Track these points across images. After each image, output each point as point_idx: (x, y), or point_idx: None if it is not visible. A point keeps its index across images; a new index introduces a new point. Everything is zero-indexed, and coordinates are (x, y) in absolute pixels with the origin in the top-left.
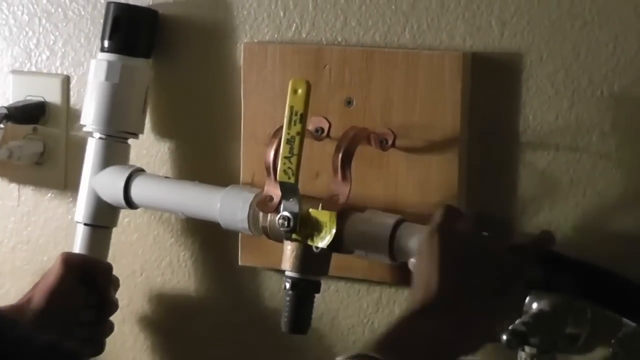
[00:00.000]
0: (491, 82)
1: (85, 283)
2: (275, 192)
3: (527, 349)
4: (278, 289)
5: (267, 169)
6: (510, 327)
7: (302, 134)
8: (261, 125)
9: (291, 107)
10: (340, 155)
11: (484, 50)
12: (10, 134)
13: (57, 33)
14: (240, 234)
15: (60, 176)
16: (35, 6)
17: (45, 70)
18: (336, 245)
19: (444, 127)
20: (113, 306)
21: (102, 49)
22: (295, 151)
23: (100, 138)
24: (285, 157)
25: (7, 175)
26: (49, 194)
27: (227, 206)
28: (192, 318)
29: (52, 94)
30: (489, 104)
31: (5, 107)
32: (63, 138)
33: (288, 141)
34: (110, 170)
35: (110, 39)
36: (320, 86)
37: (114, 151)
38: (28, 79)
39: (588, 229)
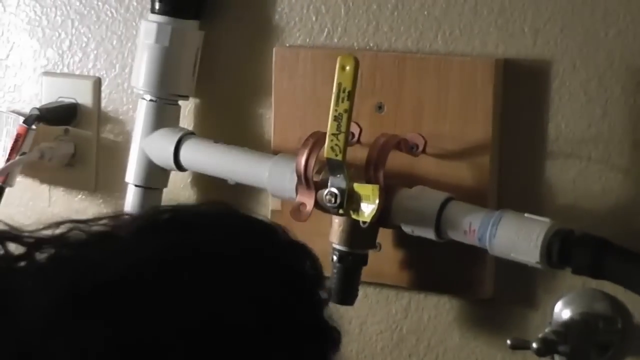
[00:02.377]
0: (523, 89)
1: None
2: (308, 200)
3: (557, 357)
4: None
5: (299, 176)
6: (540, 336)
7: (350, 111)
8: (292, 131)
9: (339, 84)
10: (372, 162)
11: (517, 57)
12: (42, 135)
13: (89, 35)
14: (271, 210)
15: (90, 178)
16: (69, 8)
17: (77, 72)
18: (383, 219)
19: (475, 134)
20: None
21: (152, 10)
22: (343, 128)
23: (150, 100)
24: (333, 134)
25: (38, 177)
26: (80, 196)
27: (275, 175)
28: None
29: (84, 96)
30: (521, 111)
31: (37, 109)
32: (94, 140)
33: (335, 118)
34: (160, 132)
35: (160, 0)
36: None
37: (165, 113)
38: (60, 81)
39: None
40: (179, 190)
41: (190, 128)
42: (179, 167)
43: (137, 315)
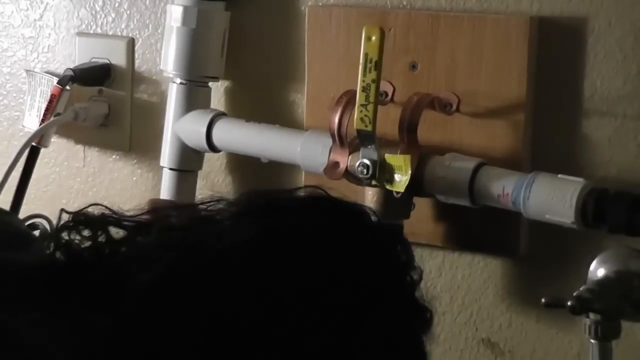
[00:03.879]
0: (558, 47)
1: None
2: (342, 159)
3: (591, 315)
4: None
5: (332, 135)
6: (574, 294)
7: (378, 81)
8: (325, 90)
9: (366, 55)
10: (406, 120)
11: (551, 15)
12: (76, 95)
13: None
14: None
15: (125, 138)
16: None
17: (110, 33)
18: (416, 189)
19: (510, 92)
20: None
21: None
22: (372, 99)
23: (181, 83)
24: (362, 105)
25: (72, 137)
26: (114, 156)
27: (307, 150)
28: None
29: (117, 56)
30: (556, 69)
31: (71, 69)
32: (128, 100)
33: (364, 89)
34: (192, 115)
35: None
36: (385, 50)
37: (195, 96)
38: (93, 41)
39: None
40: (213, 172)
41: (222, 109)
42: (212, 148)
43: (234, 292)
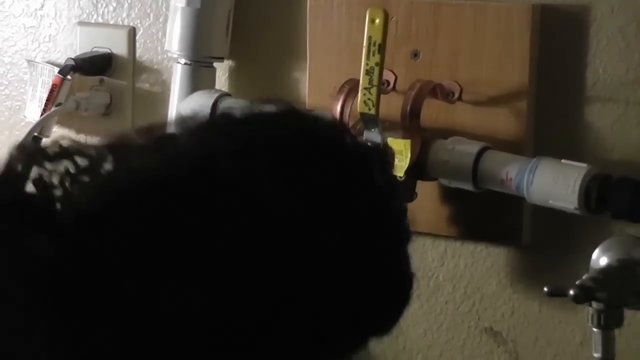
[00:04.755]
0: (560, 35)
1: None
2: None
3: (594, 304)
4: None
5: None
6: (577, 282)
7: (381, 64)
8: (327, 78)
9: (369, 38)
10: (408, 108)
11: (553, 2)
12: (77, 85)
13: None
14: None
15: (126, 127)
16: None
17: (112, 22)
18: (420, 173)
19: (512, 80)
20: None
21: None
22: (375, 82)
23: (185, 64)
24: (365, 88)
25: (74, 126)
26: None
27: None
28: None
29: (118, 46)
30: (558, 57)
31: (72, 59)
32: (129, 90)
33: (367, 72)
34: (196, 95)
35: None
36: (387, 38)
37: (200, 76)
38: (95, 31)
39: None
40: None
41: (226, 89)
42: None
43: (189, 207)
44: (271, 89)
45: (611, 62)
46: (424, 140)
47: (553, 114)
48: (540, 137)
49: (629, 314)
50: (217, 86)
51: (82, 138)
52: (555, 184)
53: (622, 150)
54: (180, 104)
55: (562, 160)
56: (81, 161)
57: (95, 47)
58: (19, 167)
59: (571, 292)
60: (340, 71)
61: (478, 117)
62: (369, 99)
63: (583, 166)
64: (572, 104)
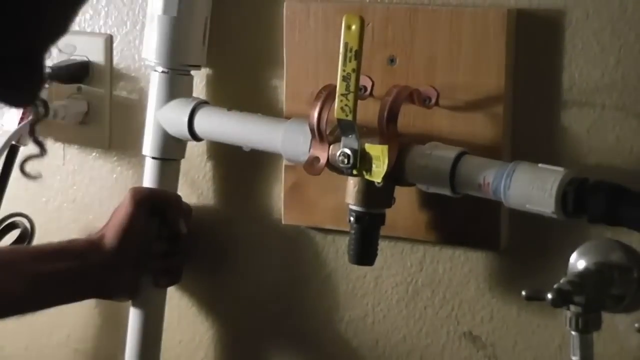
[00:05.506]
0: (536, 39)
1: (156, 215)
2: (322, 154)
3: (572, 307)
4: (322, 248)
5: (312, 130)
6: (555, 286)
7: (358, 70)
8: (304, 85)
9: (346, 44)
10: (385, 113)
11: (529, 7)
12: (55, 93)
13: None
14: (283, 192)
15: (104, 136)
16: None
17: (88, 30)
18: (398, 178)
19: (489, 85)
20: (184, 236)
21: None
22: (352, 88)
23: (162, 72)
24: (342, 95)
25: (52, 135)
26: (94, 153)
27: (289, 140)
28: (235, 275)
29: (95, 54)
30: (534, 61)
31: (49, 67)
32: (107, 98)
33: (344, 78)
34: (174, 103)
35: None
36: (363, 44)
37: (177, 84)
38: (71, 39)
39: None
40: (196, 160)
41: (204, 97)
42: (194, 136)
43: None
44: (249, 96)
45: (587, 67)
46: (401, 145)
47: (530, 119)
48: (517, 141)
49: (607, 317)
50: (195, 94)
51: (59, 146)
52: (532, 188)
53: (599, 154)
54: (158, 111)
55: (539, 165)
56: None
57: (72, 55)
58: None
59: (549, 295)
60: (318, 78)
61: (455, 122)
62: (346, 105)
63: (560, 170)
64: (549, 109)
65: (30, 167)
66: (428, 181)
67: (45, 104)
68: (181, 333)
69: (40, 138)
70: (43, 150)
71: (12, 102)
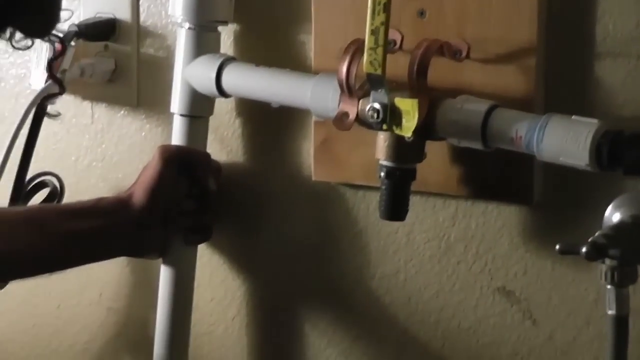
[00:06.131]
0: None
1: (185, 173)
2: (351, 109)
3: (607, 261)
4: (353, 204)
5: (341, 85)
6: (590, 240)
7: (387, 23)
8: (333, 39)
9: None
10: (415, 67)
11: None
12: (82, 52)
13: None
14: (313, 148)
15: (132, 93)
16: None
17: None
18: (428, 132)
19: (521, 37)
20: (214, 194)
21: None
22: (381, 42)
23: (189, 28)
24: (371, 49)
25: (80, 93)
26: (122, 111)
27: (318, 95)
28: (266, 232)
29: (122, 11)
30: (567, 12)
31: (76, 25)
32: (134, 55)
33: (372, 32)
34: (201, 60)
35: None
36: None
37: (204, 41)
38: None
39: None
40: (224, 117)
41: (231, 53)
42: (222, 93)
43: None
44: (277, 52)
45: (621, 17)
46: (431, 99)
47: (563, 71)
48: (550, 94)
49: None
50: (222, 50)
51: (87, 105)
52: (565, 141)
53: (634, 106)
54: (185, 68)
55: (573, 117)
56: None
57: (98, 12)
58: None
59: (584, 249)
60: (346, 32)
61: (486, 75)
62: (374, 59)
63: (594, 122)
64: (582, 60)
65: (58, 126)
66: (459, 135)
67: (61, 41)
68: (213, 291)
69: (59, 75)
70: (62, 89)
71: (31, 31)
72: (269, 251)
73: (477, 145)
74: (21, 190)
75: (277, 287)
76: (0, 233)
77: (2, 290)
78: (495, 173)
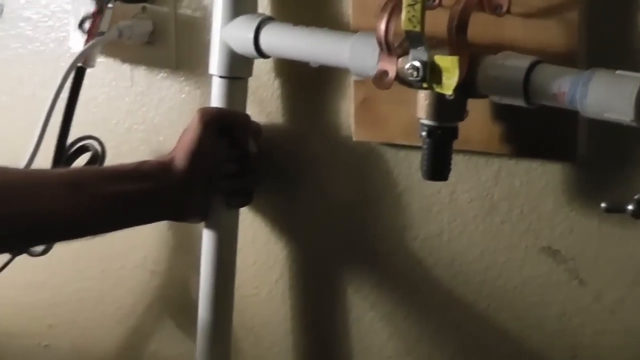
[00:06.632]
0: None
1: (225, 136)
2: (390, 68)
3: None
4: (394, 165)
5: (379, 43)
6: (636, 197)
7: None
8: None
9: None
10: (454, 23)
11: None
12: (120, 14)
13: None
14: (353, 108)
15: (171, 55)
16: None
17: None
18: (469, 90)
19: None
20: (254, 156)
21: None
22: None
23: None
24: (409, 5)
25: (119, 56)
26: (161, 74)
27: (356, 54)
28: (307, 194)
29: None
30: None
31: None
32: (172, 16)
33: None
34: (238, 20)
35: None
36: None
37: (241, 0)
38: None
39: None
40: (263, 78)
41: (269, 13)
42: (261, 54)
43: None
44: (315, 11)
45: None
46: (472, 56)
47: (606, 24)
48: (593, 48)
49: None
50: (260, 10)
51: (127, 68)
52: (610, 96)
53: None
54: (223, 29)
55: (617, 71)
56: None
57: None
58: None
59: (630, 207)
60: None
61: (528, 29)
62: (413, 15)
63: (639, 76)
64: (627, 13)
65: (98, 89)
66: (501, 92)
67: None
68: (255, 253)
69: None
70: None
71: None
72: (310, 213)
73: (520, 102)
74: (62, 154)
75: (319, 249)
76: (41, 194)
77: (47, 255)
78: (538, 130)
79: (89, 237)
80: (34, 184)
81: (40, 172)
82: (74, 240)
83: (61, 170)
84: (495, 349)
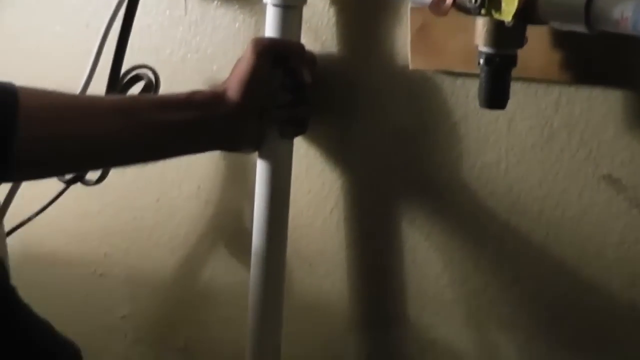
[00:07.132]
0: None
1: (279, 65)
2: None
3: None
4: (451, 93)
5: None
6: None
7: None
8: None
9: None
10: None
11: None
12: None
13: None
14: (409, 35)
15: None
16: None
17: None
18: (529, 16)
19: None
20: (309, 86)
21: None
22: None
23: None
24: None
25: None
26: (215, 2)
27: None
28: (362, 123)
29: None
30: None
31: None
32: None
33: None
34: None
35: None
36: None
37: None
38: None
39: None
40: (318, 6)
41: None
42: None
43: None
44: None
45: None
46: None
47: None
48: None
49: None
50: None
51: None
52: None
53: None
54: None
55: None
56: None
57: None
58: None
59: None
60: None
61: None
62: None
63: None
64: None
65: (152, 18)
66: (562, 18)
67: None
68: (310, 183)
69: None
70: None
71: None
72: (365, 143)
73: (581, 29)
74: (116, 83)
75: (374, 179)
76: (93, 118)
77: (101, 184)
78: (599, 57)
79: (140, 164)
80: (86, 107)
81: (93, 98)
82: (124, 166)
83: (114, 97)
84: (552, 278)
